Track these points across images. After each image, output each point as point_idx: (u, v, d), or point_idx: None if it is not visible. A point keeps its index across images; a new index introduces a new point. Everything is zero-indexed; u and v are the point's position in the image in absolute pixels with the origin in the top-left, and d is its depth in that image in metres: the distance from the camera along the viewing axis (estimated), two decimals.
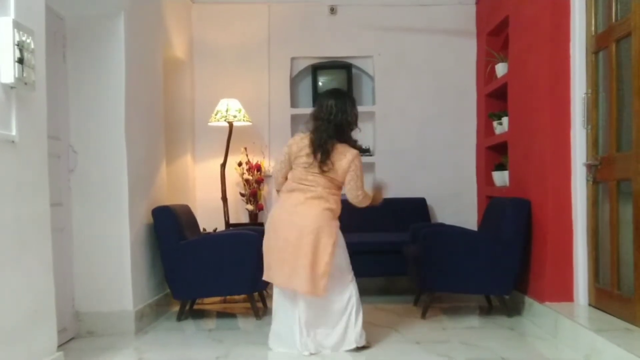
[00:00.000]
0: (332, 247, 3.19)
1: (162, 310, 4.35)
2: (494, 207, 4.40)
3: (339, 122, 3.28)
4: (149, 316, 4.06)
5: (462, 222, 5.19)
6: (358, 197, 3.33)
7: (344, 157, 3.25)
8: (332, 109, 3.27)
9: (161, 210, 4.16)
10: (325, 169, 3.23)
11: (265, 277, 3.37)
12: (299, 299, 3.24)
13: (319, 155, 3.22)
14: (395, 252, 4.66)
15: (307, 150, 3.27)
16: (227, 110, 5.17)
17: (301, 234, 3.17)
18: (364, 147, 4.79)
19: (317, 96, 3.46)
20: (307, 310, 3.23)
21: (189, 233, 4.31)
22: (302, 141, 3.32)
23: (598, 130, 3.57)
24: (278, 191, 3.50)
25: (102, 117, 3.76)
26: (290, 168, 3.37)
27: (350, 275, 3.33)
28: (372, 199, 3.46)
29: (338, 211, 3.33)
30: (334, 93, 3.44)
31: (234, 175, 5.54)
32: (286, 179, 3.40)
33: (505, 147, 4.78)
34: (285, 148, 3.41)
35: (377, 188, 3.56)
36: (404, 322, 3.97)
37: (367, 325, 3.42)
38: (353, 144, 3.34)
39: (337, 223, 3.32)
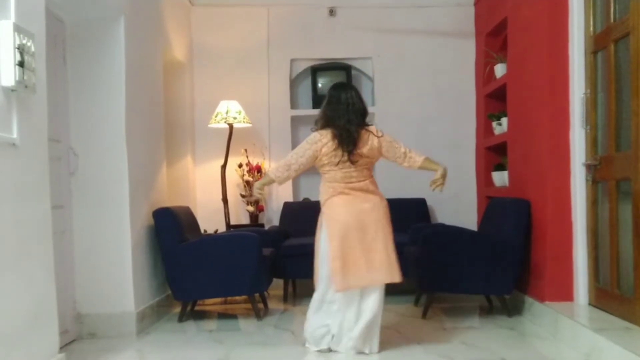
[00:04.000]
0: (390, 228, 3.28)
1: (163, 311, 4.36)
2: (494, 207, 4.41)
3: (362, 109, 3.31)
4: (151, 317, 4.07)
5: (462, 222, 5.20)
6: (408, 156, 3.34)
7: (370, 137, 3.26)
8: (354, 98, 3.29)
9: (162, 212, 4.18)
10: (353, 159, 3.22)
11: (343, 287, 3.16)
12: (370, 295, 3.20)
13: (349, 148, 3.20)
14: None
15: (333, 145, 3.22)
16: (227, 112, 5.18)
17: (369, 228, 3.20)
18: None
19: (329, 91, 3.40)
20: (376, 307, 3.21)
21: (190, 234, 4.32)
22: (326, 138, 3.24)
23: (597, 130, 3.58)
24: (277, 178, 3.33)
25: (102, 119, 3.78)
26: (313, 166, 3.30)
27: None
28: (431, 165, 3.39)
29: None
30: (346, 85, 3.46)
31: (234, 176, 5.56)
32: (295, 174, 3.34)
33: (504, 148, 4.79)
34: (305, 144, 3.29)
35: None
36: (405, 322, 3.98)
37: None
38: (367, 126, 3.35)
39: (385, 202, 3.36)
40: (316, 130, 3.33)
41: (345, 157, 3.21)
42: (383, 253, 3.20)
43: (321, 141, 3.24)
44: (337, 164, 3.23)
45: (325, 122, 3.30)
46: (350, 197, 3.24)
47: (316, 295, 3.33)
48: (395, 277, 3.21)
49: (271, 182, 3.39)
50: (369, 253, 3.18)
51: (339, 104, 3.28)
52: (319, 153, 3.24)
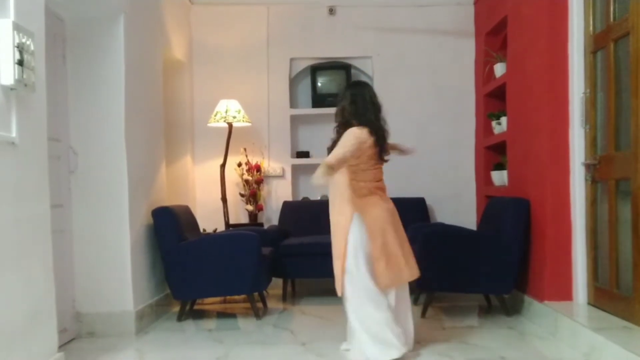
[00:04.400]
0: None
1: (162, 310, 4.36)
2: (493, 206, 4.41)
3: (381, 107, 3.29)
4: (150, 316, 4.07)
5: (461, 221, 5.20)
6: None
7: None
8: (375, 97, 3.28)
9: (161, 211, 4.17)
10: (385, 157, 3.22)
11: (388, 284, 3.11)
12: (404, 292, 3.23)
13: (383, 146, 3.17)
14: None
15: (372, 144, 3.13)
16: (226, 111, 5.18)
17: (398, 225, 3.24)
18: None
19: (349, 89, 3.33)
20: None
21: (189, 234, 4.32)
22: (370, 138, 3.13)
23: (596, 130, 3.58)
24: (332, 167, 3.00)
25: (102, 118, 3.77)
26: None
27: None
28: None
29: None
30: (364, 83, 3.42)
31: (233, 175, 5.56)
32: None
33: (504, 147, 4.79)
34: (355, 141, 3.07)
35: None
36: None
37: None
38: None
39: None
40: (349, 128, 3.20)
41: (381, 155, 3.19)
42: (408, 249, 3.24)
43: (367, 141, 3.11)
44: (374, 162, 3.18)
45: (358, 121, 3.18)
46: (378, 197, 3.22)
47: (362, 292, 3.11)
48: (418, 272, 3.26)
49: (332, 170, 3.02)
50: (403, 249, 3.20)
51: (364, 102, 3.22)
52: (362, 152, 3.11)
